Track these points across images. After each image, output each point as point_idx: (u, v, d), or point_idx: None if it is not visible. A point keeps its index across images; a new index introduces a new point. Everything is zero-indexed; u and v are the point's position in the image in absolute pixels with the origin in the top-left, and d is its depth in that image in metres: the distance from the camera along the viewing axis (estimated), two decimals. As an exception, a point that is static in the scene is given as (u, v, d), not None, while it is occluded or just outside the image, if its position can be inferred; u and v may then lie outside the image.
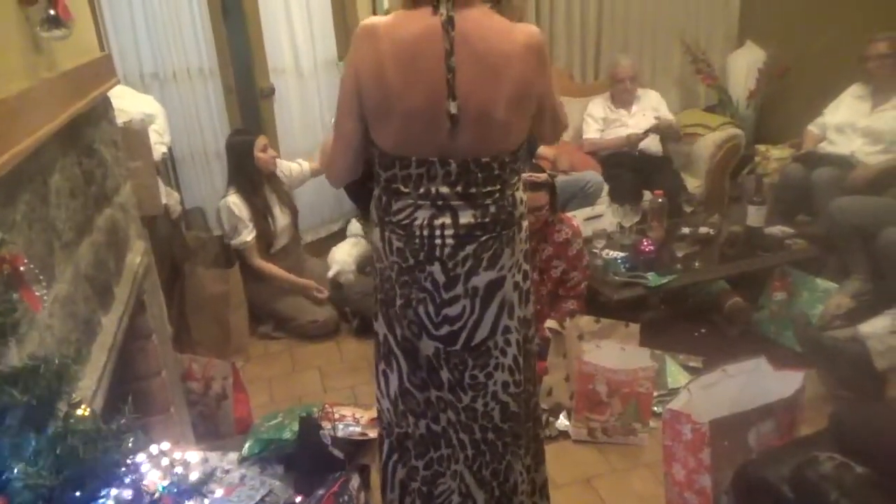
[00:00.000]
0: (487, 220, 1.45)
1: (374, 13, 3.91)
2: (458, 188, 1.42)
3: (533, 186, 2.36)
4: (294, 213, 3.32)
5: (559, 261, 2.71)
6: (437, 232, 1.45)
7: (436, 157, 1.41)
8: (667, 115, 3.97)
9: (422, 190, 1.43)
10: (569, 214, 3.06)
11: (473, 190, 1.43)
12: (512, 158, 1.46)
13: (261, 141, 3.15)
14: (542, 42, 1.43)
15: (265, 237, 3.18)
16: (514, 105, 1.39)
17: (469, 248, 1.46)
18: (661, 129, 3.85)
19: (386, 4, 3.92)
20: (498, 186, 1.45)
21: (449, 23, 1.32)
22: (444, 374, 1.56)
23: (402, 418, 1.62)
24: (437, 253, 1.46)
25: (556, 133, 1.64)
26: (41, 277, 0.74)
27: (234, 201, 3.10)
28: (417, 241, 1.46)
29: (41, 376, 0.63)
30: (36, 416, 0.63)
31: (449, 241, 1.45)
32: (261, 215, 3.15)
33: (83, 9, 1.75)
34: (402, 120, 1.38)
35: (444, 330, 1.52)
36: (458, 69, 1.33)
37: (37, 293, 0.72)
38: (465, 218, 1.44)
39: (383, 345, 1.60)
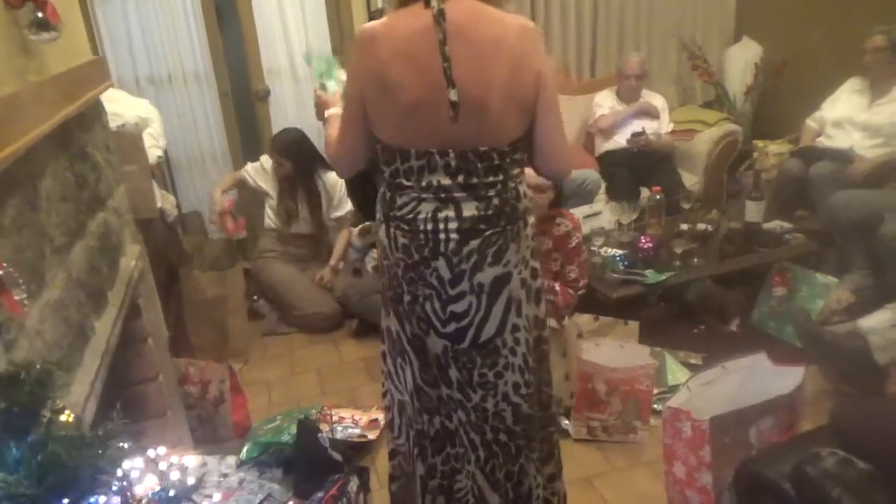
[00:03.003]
0: (491, 212, 1.46)
1: (369, 12, 3.91)
2: (460, 179, 1.43)
3: (538, 188, 2.35)
4: (315, 210, 3.46)
5: (558, 254, 2.70)
6: (441, 226, 1.45)
7: (435, 149, 1.42)
8: (665, 123, 3.93)
9: (424, 182, 1.45)
10: (567, 212, 3.05)
11: (475, 180, 1.44)
12: (511, 149, 1.46)
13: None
14: (536, 29, 1.45)
15: (286, 211, 3.43)
16: (509, 89, 1.40)
17: (473, 244, 1.46)
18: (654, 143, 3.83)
19: (380, 3, 3.91)
20: (500, 177, 1.46)
21: (440, 14, 1.36)
22: (453, 373, 1.55)
23: (419, 415, 1.62)
24: (442, 248, 1.46)
25: (562, 147, 1.54)
26: (20, 281, 0.73)
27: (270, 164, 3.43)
28: (422, 235, 1.46)
29: (22, 382, 0.62)
30: (17, 424, 0.62)
31: (453, 235, 1.45)
32: (284, 193, 3.40)
33: (73, 12, 1.74)
34: (403, 113, 1.40)
35: (452, 327, 1.52)
36: (453, 57, 1.36)
37: (16, 297, 0.70)
38: (469, 210, 1.45)
39: (397, 341, 1.61)
